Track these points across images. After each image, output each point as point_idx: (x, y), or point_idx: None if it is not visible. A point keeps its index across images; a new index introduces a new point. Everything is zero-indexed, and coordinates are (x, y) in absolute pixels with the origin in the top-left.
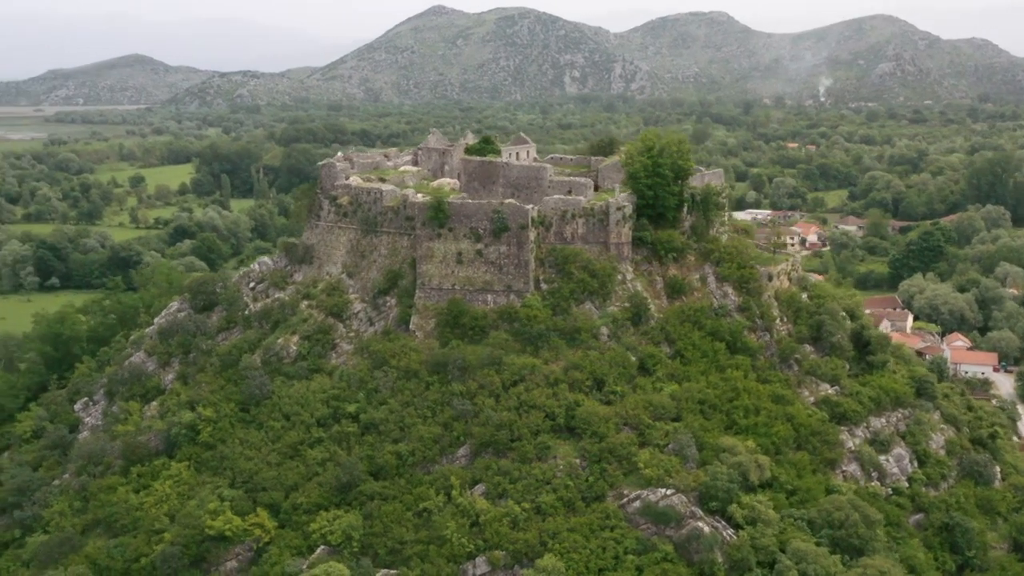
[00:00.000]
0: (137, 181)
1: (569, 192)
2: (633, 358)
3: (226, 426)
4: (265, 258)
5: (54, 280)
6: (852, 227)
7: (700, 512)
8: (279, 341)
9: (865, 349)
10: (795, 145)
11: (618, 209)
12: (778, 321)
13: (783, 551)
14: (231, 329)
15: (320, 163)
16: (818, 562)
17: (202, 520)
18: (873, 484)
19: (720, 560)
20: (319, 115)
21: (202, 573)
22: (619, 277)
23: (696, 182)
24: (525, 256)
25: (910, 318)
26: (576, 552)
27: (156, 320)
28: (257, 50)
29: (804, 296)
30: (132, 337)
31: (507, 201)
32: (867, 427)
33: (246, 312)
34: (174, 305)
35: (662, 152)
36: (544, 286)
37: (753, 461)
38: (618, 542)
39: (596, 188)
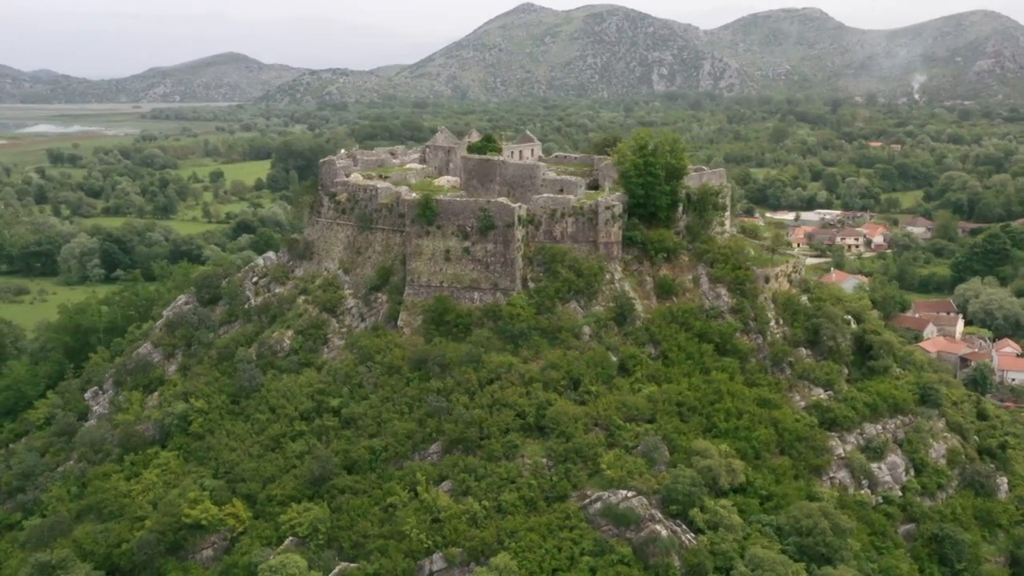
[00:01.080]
0: (216, 176)
1: (561, 191)
2: (614, 358)
3: (216, 417)
4: (270, 253)
5: (119, 272)
6: (921, 228)
7: (660, 515)
8: (274, 335)
9: (867, 354)
10: (878, 144)
11: (607, 208)
12: (773, 324)
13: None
14: (232, 323)
15: (321, 160)
16: (775, 569)
17: (180, 508)
18: (862, 492)
19: (677, 564)
20: (404, 112)
21: (178, 560)
22: (607, 276)
23: (694, 182)
24: (511, 254)
25: (960, 322)
26: (531, 551)
27: (164, 312)
28: (349, 48)
29: (804, 299)
30: (142, 328)
31: (493, 199)
32: (861, 433)
33: (247, 306)
34: (182, 298)
35: (655, 151)
36: (531, 284)
37: (724, 465)
38: (575, 543)
39: (596, 187)
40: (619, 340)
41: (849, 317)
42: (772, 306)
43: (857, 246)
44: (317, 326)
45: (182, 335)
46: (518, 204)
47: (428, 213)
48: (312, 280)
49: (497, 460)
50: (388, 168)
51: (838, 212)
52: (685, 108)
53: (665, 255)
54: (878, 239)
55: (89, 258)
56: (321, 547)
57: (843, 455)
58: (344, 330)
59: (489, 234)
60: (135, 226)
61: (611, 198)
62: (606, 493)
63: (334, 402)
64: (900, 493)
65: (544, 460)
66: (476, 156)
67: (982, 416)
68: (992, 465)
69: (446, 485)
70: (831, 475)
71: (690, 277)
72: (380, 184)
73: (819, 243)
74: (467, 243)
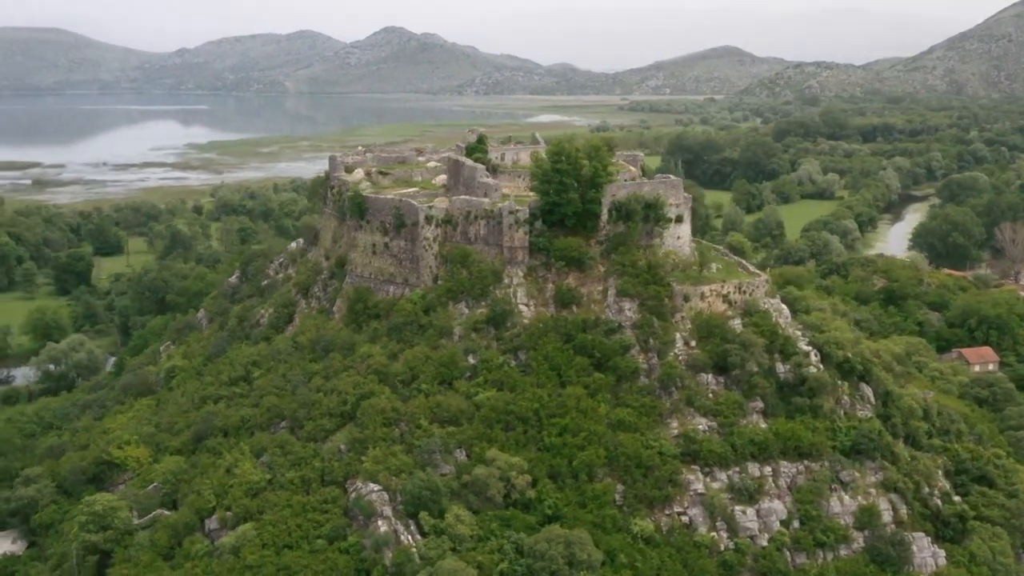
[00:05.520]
0: None
1: (485, 194)
2: (471, 361)
3: (187, 376)
4: (301, 239)
5: None
6: None
7: (390, 512)
8: (259, 310)
9: (795, 389)
10: None
11: (510, 213)
12: (681, 344)
13: None
14: (252, 297)
15: (332, 154)
16: None
17: (108, 448)
18: (713, 535)
19: (387, 562)
20: (872, 107)
21: (95, 489)
22: (505, 280)
23: (622, 192)
24: (418, 251)
25: None
26: (275, 526)
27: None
28: (854, 40)
29: (736, 322)
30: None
31: (404, 199)
32: (740, 472)
33: (263, 284)
34: (236, 273)
35: (567, 158)
36: (439, 282)
37: (497, 476)
38: (319, 525)
39: None
40: (486, 343)
41: (808, 349)
42: (688, 326)
43: None
44: (288, 305)
45: (218, 304)
46: (428, 204)
47: (356, 209)
48: (305, 264)
49: (310, 441)
50: (396, 165)
51: None
52: None
53: (564, 263)
54: None
55: None
56: (167, 494)
57: (701, 491)
58: (308, 311)
59: (402, 231)
60: None
61: (515, 203)
62: (361, 484)
63: (256, 373)
64: (765, 544)
65: (343, 447)
66: (454, 157)
67: (985, 480)
68: (918, 535)
69: (265, 457)
70: (678, 510)
71: (601, 288)
72: (353, 179)
73: None
74: (386, 238)
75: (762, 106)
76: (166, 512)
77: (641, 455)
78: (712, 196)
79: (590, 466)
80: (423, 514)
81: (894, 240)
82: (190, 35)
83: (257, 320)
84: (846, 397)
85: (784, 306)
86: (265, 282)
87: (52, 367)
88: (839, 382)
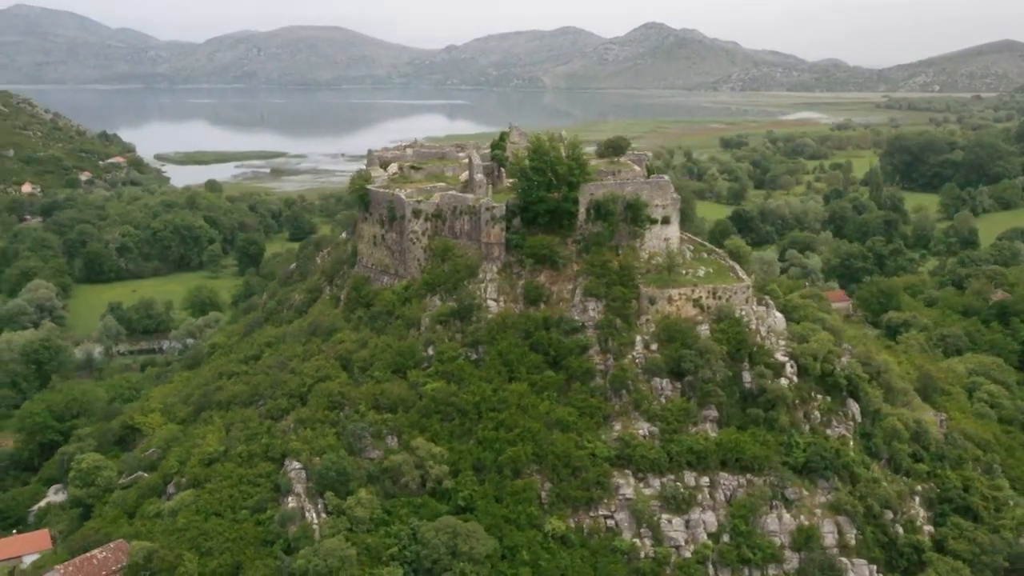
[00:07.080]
0: (835, 167)
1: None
2: (430, 352)
3: (223, 352)
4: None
5: None
6: None
7: (302, 490)
8: (295, 295)
9: (755, 400)
10: None
11: (487, 210)
12: (640, 347)
13: None
14: (297, 282)
15: (370, 148)
16: (327, 559)
17: (132, 414)
18: (632, 540)
19: (290, 535)
20: None
21: (120, 450)
22: (480, 275)
23: (601, 191)
24: (405, 244)
25: None
26: (212, 494)
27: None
28: None
29: (703, 328)
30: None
31: (396, 193)
32: (676, 480)
33: (307, 271)
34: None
35: (542, 155)
36: (425, 275)
37: (412, 464)
38: (248, 496)
39: None
40: (450, 336)
41: (785, 360)
42: (652, 329)
43: None
44: (315, 291)
45: (274, 288)
46: (417, 199)
47: (360, 201)
48: (336, 254)
49: (268, 418)
50: (432, 161)
51: None
52: None
53: (535, 261)
54: None
55: None
56: (159, 457)
57: (630, 496)
58: (326, 298)
59: (394, 224)
60: None
61: (491, 200)
62: (289, 462)
63: (266, 353)
64: (688, 555)
65: (292, 426)
66: (470, 154)
67: (969, 512)
68: (860, 562)
69: (234, 432)
70: (604, 513)
71: (571, 287)
72: (375, 172)
73: None
74: (383, 231)
75: None
76: (145, 474)
77: (571, 455)
78: (922, 199)
79: (515, 462)
80: (329, 494)
81: None
82: (459, 33)
83: (291, 304)
84: (816, 412)
85: (778, 315)
86: (309, 270)
87: (190, 340)
88: (818, 396)
